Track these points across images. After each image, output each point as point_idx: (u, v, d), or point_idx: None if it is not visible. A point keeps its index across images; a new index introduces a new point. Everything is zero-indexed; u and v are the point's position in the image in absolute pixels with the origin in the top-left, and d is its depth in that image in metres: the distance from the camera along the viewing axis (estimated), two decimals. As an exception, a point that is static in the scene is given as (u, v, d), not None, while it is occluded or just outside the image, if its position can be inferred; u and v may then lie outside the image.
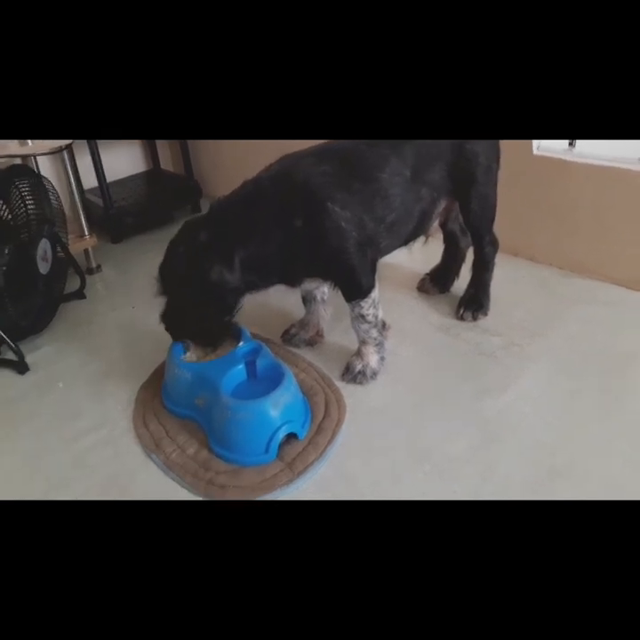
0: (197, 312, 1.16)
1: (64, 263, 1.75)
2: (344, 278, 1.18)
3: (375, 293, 1.21)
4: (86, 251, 1.94)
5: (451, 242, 1.51)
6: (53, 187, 1.69)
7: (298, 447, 1.11)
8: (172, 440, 1.17)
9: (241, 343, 1.24)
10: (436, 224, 1.41)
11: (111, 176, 2.22)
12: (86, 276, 1.85)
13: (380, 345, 1.26)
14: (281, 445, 1.09)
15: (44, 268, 1.60)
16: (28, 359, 1.49)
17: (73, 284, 1.80)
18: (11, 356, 1.49)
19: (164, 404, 1.26)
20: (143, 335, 1.57)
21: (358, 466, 1.08)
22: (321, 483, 1.05)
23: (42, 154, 1.75)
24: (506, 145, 1.33)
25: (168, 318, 1.21)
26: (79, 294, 1.81)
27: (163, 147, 2.51)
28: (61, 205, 1.74)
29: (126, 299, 1.78)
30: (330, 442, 1.12)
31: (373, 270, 1.20)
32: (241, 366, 1.19)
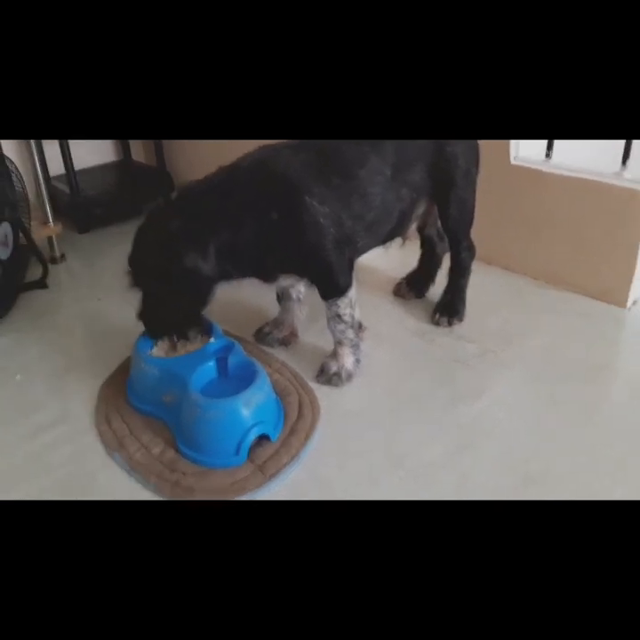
0: (170, 303, 1.12)
1: (26, 250, 1.66)
2: (321, 276, 1.15)
3: (352, 293, 1.18)
4: (50, 239, 1.86)
5: (428, 247, 1.50)
6: (17, 169, 1.61)
7: (270, 449, 1.07)
8: (135, 439, 1.12)
9: (212, 339, 1.19)
10: (413, 228, 1.40)
11: (79, 164, 2.14)
12: (49, 266, 1.77)
13: (355, 346, 1.24)
14: (252, 447, 1.05)
15: (3, 253, 1.52)
16: (-17, 349, 1.41)
17: (34, 272, 1.72)
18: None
19: (129, 401, 1.20)
20: (109, 328, 1.51)
21: (333, 469, 1.05)
22: (294, 486, 1.02)
23: (7, 135, 1.66)
24: (483, 153, 1.33)
25: (144, 314, 1.15)
26: (41, 283, 1.73)
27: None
28: (25, 189, 1.66)
29: (91, 290, 1.71)
30: (303, 444, 1.09)
31: (351, 269, 1.17)
32: (212, 363, 1.15)
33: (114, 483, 1.04)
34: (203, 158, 2.26)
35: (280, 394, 1.19)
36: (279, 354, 1.36)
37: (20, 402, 1.27)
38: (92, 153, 2.33)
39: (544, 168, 1.49)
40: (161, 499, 1.00)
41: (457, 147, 1.25)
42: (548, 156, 1.50)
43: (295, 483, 1.02)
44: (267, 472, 1.03)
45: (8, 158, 1.58)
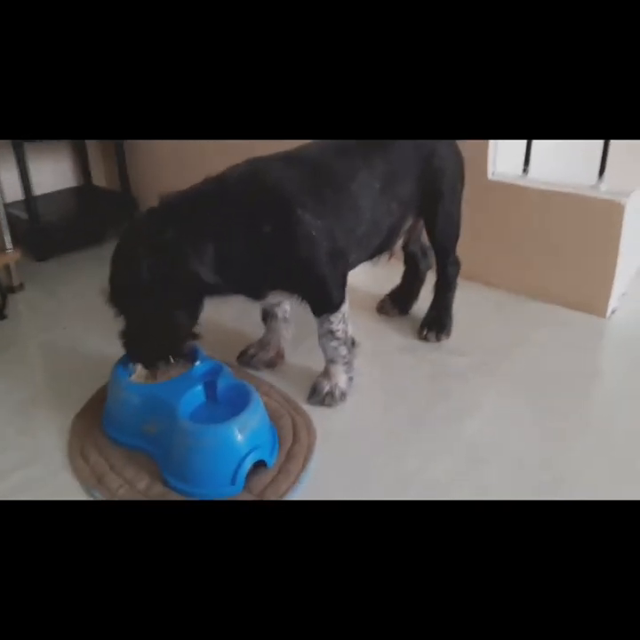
0: (160, 322, 1.03)
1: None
2: (313, 291, 1.10)
3: (345, 308, 1.14)
4: (7, 267, 1.74)
5: (411, 263, 1.48)
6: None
7: (267, 476, 1.00)
8: (117, 475, 1.02)
9: (197, 362, 1.11)
10: (399, 243, 1.37)
11: (37, 190, 2.04)
12: (8, 296, 1.65)
13: (348, 364, 1.19)
14: (248, 475, 0.98)
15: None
16: (-63, 385, 1.28)
17: (-9, 302, 1.60)
18: None
19: (107, 434, 1.11)
20: (75, 359, 1.41)
21: (336, 495, 0.98)
22: (296, 515, 0.94)
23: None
24: (462, 169, 1.33)
25: (129, 338, 1.07)
26: (-1, 314, 1.61)
27: (95, 160, 2.36)
28: (-19, 214, 1.56)
29: (54, 320, 1.60)
30: (302, 469, 1.01)
31: (344, 283, 1.13)
32: (199, 387, 1.07)
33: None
34: (168, 181, 2.20)
35: (272, 417, 1.11)
36: (266, 377, 1.29)
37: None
38: (49, 178, 2.24)
39: (521, 182, 1.50)
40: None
41: (444, 162, 1.24)
42: (525, 170, 1.52)
43: (298, 511, 0.95)
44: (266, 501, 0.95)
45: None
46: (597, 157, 1.42)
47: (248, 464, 0.97)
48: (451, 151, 1.27)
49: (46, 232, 1.98)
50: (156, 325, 1.04)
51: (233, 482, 0.96)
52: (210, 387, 1.08)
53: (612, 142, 1.42)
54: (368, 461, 1.05)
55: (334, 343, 1.15)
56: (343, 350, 1.17)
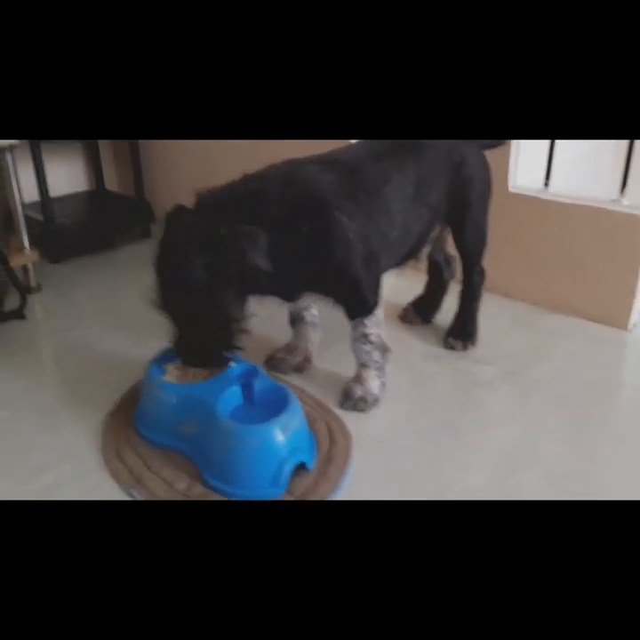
0: (215, 317, 1.03)
1: (3, 276, 1.53)
2: (349, 294, 1.11)
3: (380, 312, 1.15)
4: (25, 267, 1.73)
5: (435, 272, 1.49)
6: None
7: (307, 479, 0.99)
8: (155, 475, 1.01)
9: (233, 363, 1.11)
10: (425, 251, 1.39)
11: (50, 192, 2.03)
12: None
13: (381, 369, 1.19)
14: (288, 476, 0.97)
15: (-14, 278, 1.39)
16: (-40, 384, 1.27)
17: (9, 302, 1.58)
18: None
19: (141, 434, 1.10)
20: (102, 359, 1.40)
21: (377, 498, 0.98)
22: (338, 518, 0.94)
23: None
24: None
25: (181, 339, 1.06)
26: (18, 314, 1.60)
27: (108, 165, 2.36)
28: None
29: (75, 321, 1.59)
30: (342, 472, 1.01)
31: (379, 287, 1.14)
32: (236, 388, 1.07)
33: (134, 524, 0.93)
34: (182, 187, 2.20)
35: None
36: (294, 381, 1.29)
37: (11, 442, 1.13)
38: (63, 181, 2.23)
39: (542, 196, 1.53)
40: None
41: (473, 170, 1.26)
42: (546, 184, 1.55)
43: (340, 514, 0.95)
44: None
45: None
46: (618, 174, 1.46)
47: (290, 465, 0.96)
48: (480, 161, 1.29)
49: (61, 234, 1.97)
50: (210, 323, 1.04)
51: (275, 483, 0.95)
52: (246, 388, 1.08)
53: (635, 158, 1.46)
54: (404, 468, 1.05)
55: (368, 347, 1.16)
56: (376, 355, 1.17)
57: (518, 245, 1.60)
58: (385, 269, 1.23)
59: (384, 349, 1.18)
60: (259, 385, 1.08)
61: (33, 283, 1.74)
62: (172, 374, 1.14)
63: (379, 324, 1.15)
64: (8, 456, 1.09)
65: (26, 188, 1.94)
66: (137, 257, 2.03)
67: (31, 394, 1.28)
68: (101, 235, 2.10)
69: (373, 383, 1.19)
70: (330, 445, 1.07)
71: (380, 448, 1.10)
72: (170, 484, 0.99)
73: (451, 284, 1.51)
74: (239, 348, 1.10)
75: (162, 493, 0.97)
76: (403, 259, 1.26)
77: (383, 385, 1.21)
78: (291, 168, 1.08)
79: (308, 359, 1.33)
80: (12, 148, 1.61)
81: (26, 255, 1.70)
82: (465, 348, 1.40)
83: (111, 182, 2.39)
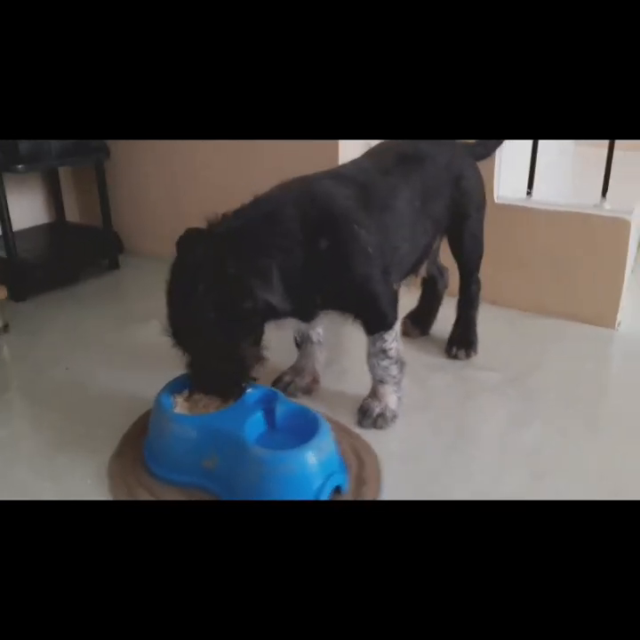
0: (229, 351, 0.98)
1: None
2: (368, 309, 1.08)
3: (398, 326, 1.12)
4: (-9, 307, 1.61)
5: (429, 284, 1.49)
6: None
7: (344, 499, 0.94)
8: (179, 514, 0.93)
9: (249, 389, 1.06)
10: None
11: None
12: (-5, 336, 1.52)
13: (398, 384, 1.16)
14: (325, 503, 0.92)
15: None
16: None
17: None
18: None
19: (155, 474, 1.01)
20: (90, 398, 1.30)
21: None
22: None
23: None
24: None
25: (196, 371, 1.01)
26: (-11, 357, 1.47)
27: (68, 196, 2.26)
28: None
29: (50, 361, 1.48)
30: (378, 492, 0.97)
31: (396, 300, 1.12)
32: (259, 414, 1.01)
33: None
34: (150, 216, 2.13)
35: (330, 443, 1.07)
36: (305, 403, 1.23)
37: (4, 492, 1.02)
38: (22, 214, 2.11)
39: (527, 204, 1.57)
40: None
41: (470, 181, 1.28)
42: (528, 193, 1.59)
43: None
44: (351, 529, 0.89)
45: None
46: (598, 181, 1.51)
47: (328, 490, 0.91)
48: (476, 173, 1.31)
49: (25, 271, 1.85)
50: (223, 357, 0.99)
51: (314, 511, 0.90)
52: (267, 414, 1.03)
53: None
54: (436, 481, 1.02)
55: (386, 362, 1.13)
56: (394, 370, 1.14)
57: (506, 254, 1.63)
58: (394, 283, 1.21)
59: (401, 364, 1.15)
60: (281, 409, 1.02)
61: (0, 322, 1.62)
62: (182, 406, 1.07)
63: (397, 339, 1.13)
64: None
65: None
66: (105, 290, 1.95)
67: (18, 440, 1.17)
68: (67, 269, 1.99)
69: (391, 399, 1.16)
70: (358, 466, 1.03)
71: (407, 463, 1.06)
72: (198, 523, 0.91)
73: (444, 295, 1.51)
74: (254, 379, 1.05)
75: (191, 534, 0.89)
76: (408, 273, 1.25)
77: (400, 400, 1.18)
78: (303, 185, 1.05)
79: (316, 380, 1.28)
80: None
81: (-6, 293, 1.58)
82: (468, 356, 1.40)
83: (72, 213, 2.28)
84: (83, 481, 1.04)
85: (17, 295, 1.84)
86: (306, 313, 1.07)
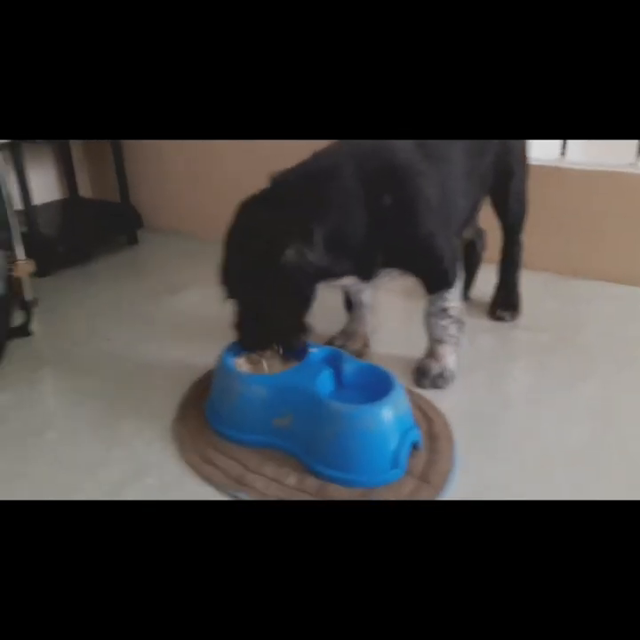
0: (273, 309, 0.97)
1: (10, 288, 1.38)
2: (430, 266, 1.07)
3: (459, 284, 1.12)
4: (18, 281, 1.56)
5: (468, 247, 1.48)
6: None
7: (419, 458, 0.94)
8: (258, 474, 0.92)
9: (313, 349, 1.05)
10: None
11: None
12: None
13: (457, 343, 1.16)
14: (403, 457, 0.92)
15: (2, 289, 1.24)
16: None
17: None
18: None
19: (225, 435, 1.00)
20: (137, 368, 1.28)
21: (492, 472, 0.94)
22: (467, 494, 0.89)
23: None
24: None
25: (241, 325, 1.00)
26: (24, 331, 1.44)
27: (80, 171, 2.20)
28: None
29: (87, 333, 1.45)
30: (452, 447, 0.97)
31: (458, 258, 1.11)
32: (328, 372, 1.00)
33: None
34: (168, 190, 2.09)
35: (394, 402, 1.07)
36: (358, 366, 1.23)
37: (70, 462, 1.00)
38: (36, 190, 2.05)
39: (561, 164, 1.56)
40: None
41: (516, 140, 1.26)
42: (562, 154, 1.59)
43: (465, 490, 0.90)
44: (434, 483, 0.89)
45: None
46: (632, 142, 1.51)
47: (408, 443, 0.91)
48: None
49: (47, 245, 1.81)
50: (267, 312, 0.98)
51: (395, 464, 0.90)
52: (335, 372, 1.02)
53: None
54: (504, 437, 1.02)
55: (445, 322, 1.12)
56: (453, 329, 1.14)
57: (538, 216, 1.61)
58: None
59: (461, 323, 1.15)
60: (348, 368, 1.02)
61: (29, 296, 1.58)
62: (244, 368, 1.05)
63: (458, 297, 1.12)
64: (73, 475, 0.97)
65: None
66: (126, 264, 1.92)
67: (73, 410, 1.15)
68: (87, 244, 1.96)
69: (450, 359, 1.16)
70: (428, 423, 1.03)
71: (472, 421, 1.06)
72: (278, 480, 0.91)
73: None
74: (293, 346, 1.03)
75: (273, 492, 0.89)
76: (459, 230, 1.24)
77: (456, 359, 1.18)
78: (360, 142, 1.03)
79: (366, 344, 1.27)
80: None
81: (22, 267, 1.54)
82: (513, 317, 1.40)
83: (85, 189, 2.23)
84: (149, 445, 1.03)
85: (39, 271, 1.80)
86: (366, 271, 1.06)
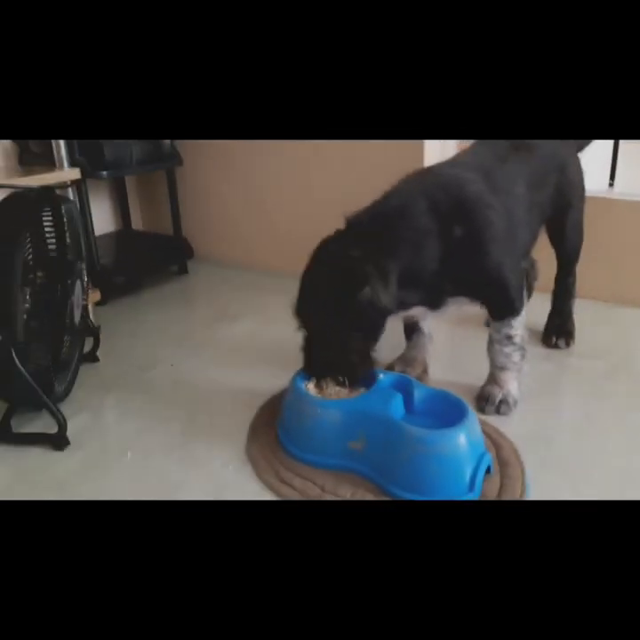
0: (343, 340, 1.01)
1: (84, 316, 1.45)
2: (498, 294, 1.10)
3: (524, 312, 1.15)
4: (85, 308, 1.64)
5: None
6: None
7: (492, 483, 0.96)
8: (335, 495, 0.95)
9: (381, 375, 1.08)
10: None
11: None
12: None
13: (519, 371, 1.18)
14: (477, 481, 0.94)
15: (77, 317, 1.30)
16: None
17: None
18: (38, 426, 1.16)
19: (299, 458, 1.04)
20: (203, 393, 1.33)
21: (565, 494, 0.96)
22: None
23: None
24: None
25: (310, 354, 1.05)
26: (92, 356, 1.50)
27: (134, 205, 2.31)
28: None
29: (151, 360, 1.51)
30: (522, 471, 0.99)
31: (523, 286, 1.14)
32: (400, 397, 1.03)
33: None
34: (216, 222, 2.18)
35: (461, 427, 1.09)
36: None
37: (147, 482, 1.04)
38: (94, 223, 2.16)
39: (609, 195, 1.60)
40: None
41: (574, 169, 1.31)
42: (611, 185, 1.62)
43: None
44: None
45: (73, 202, 1.38)
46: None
47: (484, 468, 0.93)
48: (578, 163, 1.34)
49: (106, 276, 1.89)
50: (336, 343, 1.02)
51: (471, 488, 0.92)
52: (405, 397, 1.05)
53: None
54: (575, 463, 1.03)
55: (509, 349, 1.15)
56: (517, 356, 1.16)
57: (588, 246, 1.65)
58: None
59: (524, 351, 1.17)
60: (418, 393, 1.05)
61: (94, 323, 1.65)
62: (312, 393, 1.09)
63: (523, 325, 1.15)
64: (153, 496, 1.00)
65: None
66: (178, 293, 2.00)
67: (147, 434, 1.19)
68: (141, 274, 2.04)
69: (513, 385, 1.18)
70: (496, 449, 1.05)
71: (538, 446, 1.08)
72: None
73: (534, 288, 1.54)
74: (356, 379, 1.07)
75: (353, 513, 0.91)
76: (522, 259, 1.28)
77: (518, 386, 1.20)
78: (429, 175, 1.08)
79: (425, 370, 1.30)
80: (74, 182, 1.54)
81: (91, 296, 1.61)
82: (567, 345, 1.42)
83: (136, 221, 2.33)
84: (224, 467, 1.06)
85: (99, 301, 1.88)
86: (436, 301, 1.09)
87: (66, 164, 1.62)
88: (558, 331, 1.43)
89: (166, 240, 2.16)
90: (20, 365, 1.08)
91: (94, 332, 1.51)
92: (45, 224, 1.23)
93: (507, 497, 0.93)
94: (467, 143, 1.36)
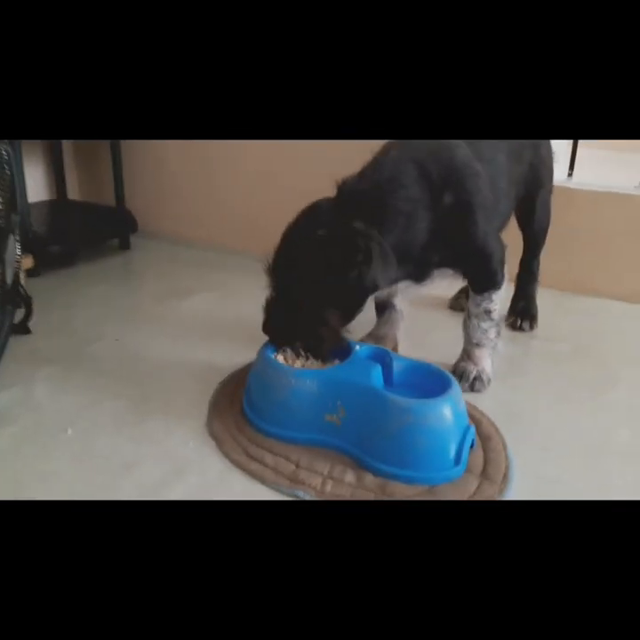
0: (316, 311, 0.94)
1: (16, 281, 1.28)
2: (481, 266, 1.06)
3: (504, 286, 1.11)
4: (18, 274, 1.46)
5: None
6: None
7: (476, 456, 0.91)
8: (310, 471, 0.87)
9: (357, 347, 1.01)
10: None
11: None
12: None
13: (494, 348, 1.15)
14: (461, 455, 0.89)
15: (9, 277, 1.15)
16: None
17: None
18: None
19: (269, 433, 0.95)
20: (154, 368, 1.21)
21: (549, 470, 0.92)
22: (529, 491, 0.87)
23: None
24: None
25: (271, 316, 0.96)
26: (23, 327, 1.34)
27: (71, 174, 2.12)
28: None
29: (93, 334, 1.36)
30: (504, 445, 0.95)
31: (505, 260, 1.11)
32: (379, 368, 0.96)
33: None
34: (163, 194, 2.04)
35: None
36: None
37: (96, 460, 0.92)
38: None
39: (568, 185, 1.62)
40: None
41: (547, 149, 1.30)
42: (569, 175, 1.64)
43: (525, 486, 0.88)
44: (494, 480, 0.87)
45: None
46: (636, 165, 1.58)
47: (469, 441, 0.88)
48: (549, 143, 1.33)
49: (39, 246, 1.71)
50: (304, 313, 0.95)
51: (458, 462, 0.86)
52: (384, 369, 0.98)
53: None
54: (553, 438, 1.01)
55: (486, 324, 1.11)
56: (493, 333, 1.13)
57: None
58: None
59: (499, 328, 1.14)
60: (397, 365, 0.99)
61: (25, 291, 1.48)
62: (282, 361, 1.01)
63: (500, 300, 1.11)
64: (105, 474, 0.88)
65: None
66: (120, 268, 1.85)
67: (91, 409, 1.06)
68: (79, 246, 1.87)
69: (487, 362, 1.14)
70: (475, 424, 1.00)
71: (514, 422, 1.04)
72: (335, 478, 0.86)
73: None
74: (321, 355, 1.00)
75: (333, 490, 0.83)
76: (501, 231, 1.24)
77: (492, 363, 1.17)
78: (417, 142, 1.02)
79: (396, 348, 1.25)
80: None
81: (24, 262, 1.44)
82: (531, 328, 1.41)
83: (72, 191, 2.14)
84: (184, 444, 0.96)
85: (32, 270, 1.69)
86: (421, 273, 1.04)
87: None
88: (522, 313, 1.42)
89: (107, 211, 2.00)
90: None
91: (26, 301, 1.35)
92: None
93: (492, 470, 0.88)
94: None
